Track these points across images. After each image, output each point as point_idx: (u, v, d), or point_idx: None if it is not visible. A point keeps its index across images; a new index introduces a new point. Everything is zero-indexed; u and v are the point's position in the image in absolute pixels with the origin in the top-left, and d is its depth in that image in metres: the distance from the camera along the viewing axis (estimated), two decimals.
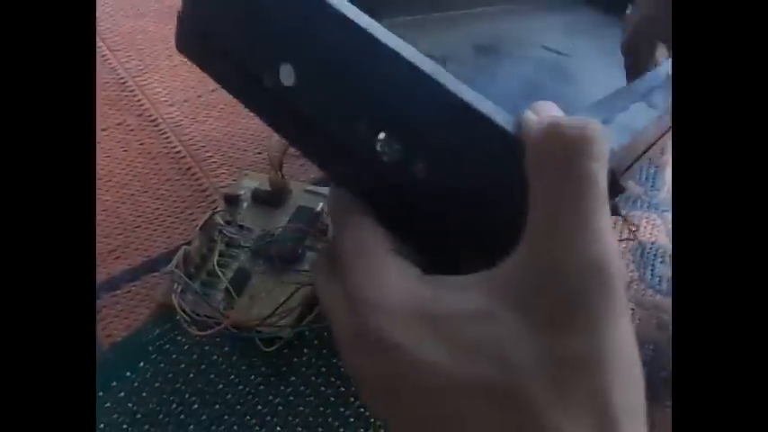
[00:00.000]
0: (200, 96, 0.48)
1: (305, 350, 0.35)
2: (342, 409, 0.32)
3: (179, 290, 0.36)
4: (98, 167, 0.43)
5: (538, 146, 0.16)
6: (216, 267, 0.37)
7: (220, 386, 0.33)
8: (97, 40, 0.52)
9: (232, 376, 0.34)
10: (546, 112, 0.17)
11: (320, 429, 0.32)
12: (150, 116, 0.47)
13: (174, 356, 0.34)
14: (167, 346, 0.35)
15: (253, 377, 0.34)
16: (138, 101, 0.48)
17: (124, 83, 0.49)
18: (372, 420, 0.32)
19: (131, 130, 0.46)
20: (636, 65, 0.33)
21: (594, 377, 0.15)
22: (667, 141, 0.23)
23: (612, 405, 0.15)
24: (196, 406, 0.32)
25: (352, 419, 0.32)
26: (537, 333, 0.15)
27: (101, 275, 0.38)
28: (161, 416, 0.32)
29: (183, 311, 0.34)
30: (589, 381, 0.15)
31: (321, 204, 0.40)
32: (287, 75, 0.22)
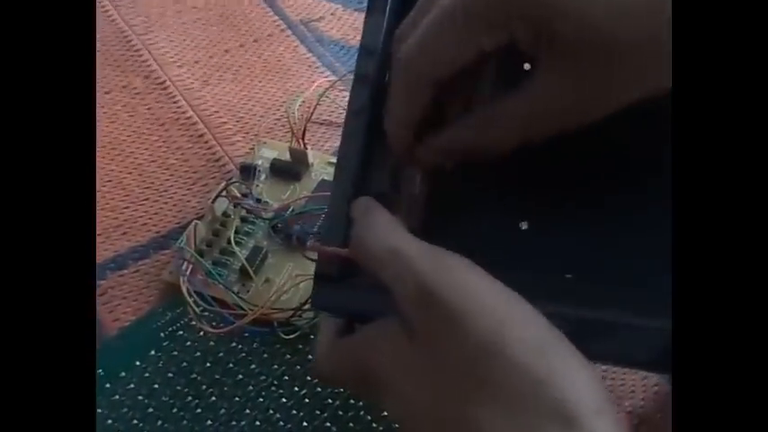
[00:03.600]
0: (212, 57, 0.45)
1: None
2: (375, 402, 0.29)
3: (188, 271, 0.32)
4: (102, 134, 0.40)
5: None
6: (232, 244, 0.33)
7: (240, 376, 0.30)
8: None
9: (253, 365, 0.30)
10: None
11: (351, 424, 0.29)
12: (158, 78, 0.43)
13: (187, 344, 0.31)
14: (180, 332, 0.32)
15: (275, 366, 0.30)
16: (145, 61, 0.44)
17: (129, 41, 0.45)
18: None
19: (137, 93, 0.42)
20: None
21: (480, 369, 0.17)
22: None
23: (515, 377, 0.17)
24: (214, 398, 0.29)
25: (385, 413, 0.29)
26: (432, 366, 0.18)
27: (106, 253, 0.35)
28: (175, 410, 0.29)
29: (192, 298, 0.31)
30: (479, 372, 0.17)
31: None
32: None
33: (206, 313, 0.31)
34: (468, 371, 0.17)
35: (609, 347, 0.19)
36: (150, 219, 0.36)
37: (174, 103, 0.42)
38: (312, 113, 0.38)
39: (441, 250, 0.19)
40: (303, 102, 0.40)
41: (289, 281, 0.32)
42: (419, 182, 0.23)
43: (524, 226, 0.23)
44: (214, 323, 0.31)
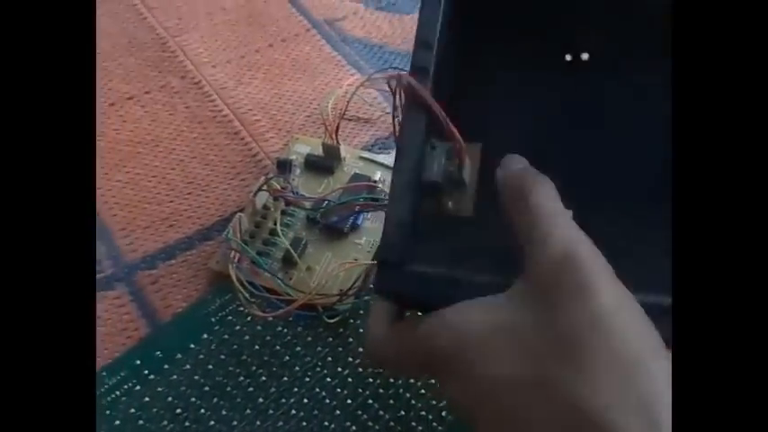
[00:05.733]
0: (243, 57, 0.46)
1: None
2: (413, 381, 0.32)
3: (236, 259, 0.34)
4: (145, 132, 0.42)
5: (502, 195, 0.22)
6: (278, 232, 0.35)
7: (287, 358, 0.32)
8: None
9: (298, 348, 0.33)
10: (510, 166, 0.23)
11: (391, 401, 0.31)
12: (194, 78, 0.45)
13: (237, 328, 0.33)
14: (230, 317, 0.34)
15: (319, 348, 0.33)
16: (181, 62, 0.46)
17: (164, 43, 0.47)
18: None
19: (176, 92, 0.44)
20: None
21: (591, 338, 0.18)
22: None
23: (619, 354, 0.18)
24: (264, 378, 0.32)
25: (423, 391, 0.31)
26: (540, 324, 0.19)
27: (156, 244, 0.37)
28: (229, 388, 0.31)
29: (242, 285, 0.33)
30: (588, 341, 0.18)
31: (379, 174, 0.38)
32: None
33: (254, 299, 0.33)
34: (580, 334, 0.18)
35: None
36: (194, 212, 0.38)
37: (211, 101, 0.44)
38: (345, 110, 0.40)
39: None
40: (334, 99, 0.42)
41: (333, 268, 0.34)
42: (469, 170, 0.24)
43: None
44: (261, 308, 0.33)
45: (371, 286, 0.26)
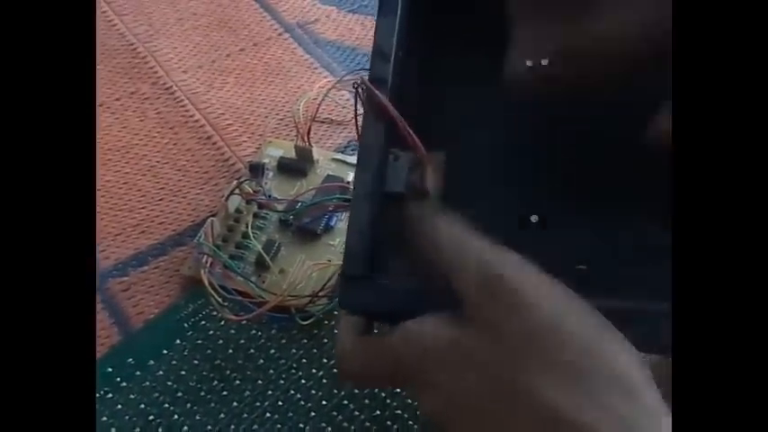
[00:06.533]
0: (214, 62, 0.46)
1: None
2: None
3: (208, 263, 0.34)
4: (115, 139, 0.42)
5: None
6: (250, 236, 0.35)
7: (261, 361, 0.32)
8: (102, 4, 0.49)
9: (272, 350, 0.33)
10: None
11: (366, 401, 0.31)
12: (165, 84, 0.45)
13: (210, 332, 0.33)
14: (203, 322, 0.34)
15: (293, 350, 0.33)
16: (151, 68, 0.46)
17: (134, 49, 0.47)
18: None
19: (146, 98, 0.44)
20: None
21: (547, 343, 0.18)
22: None
23: (579, 353, 0.18)
24: (238, 382, 0.31)
25: (398, 390, 0.31)
26: (495, 341, 0.19)
27: (127, 251, 0.36)
28: (203, 393, 0.31)
29: (214, 289, 0.33)
30: (546, 346, 0.18)
31: (352, 175, 0.38)
32: None
33: (226, 303, 0.33)
34: (528, 345, 0.18)
35: (631, 334, 0.19)
36: (166, 218, 0.38)
37: (182, 107, 0.44)
38: (316, 113, 0.40)
39: (501, 246, 0.21)
40: (305, 101, 0.42)
41: (307, 269, 0.34)
42: (431, 179, 0.24)
43: (534, 219, 0.25)
44: (234, 312, 0.33)
45: None
